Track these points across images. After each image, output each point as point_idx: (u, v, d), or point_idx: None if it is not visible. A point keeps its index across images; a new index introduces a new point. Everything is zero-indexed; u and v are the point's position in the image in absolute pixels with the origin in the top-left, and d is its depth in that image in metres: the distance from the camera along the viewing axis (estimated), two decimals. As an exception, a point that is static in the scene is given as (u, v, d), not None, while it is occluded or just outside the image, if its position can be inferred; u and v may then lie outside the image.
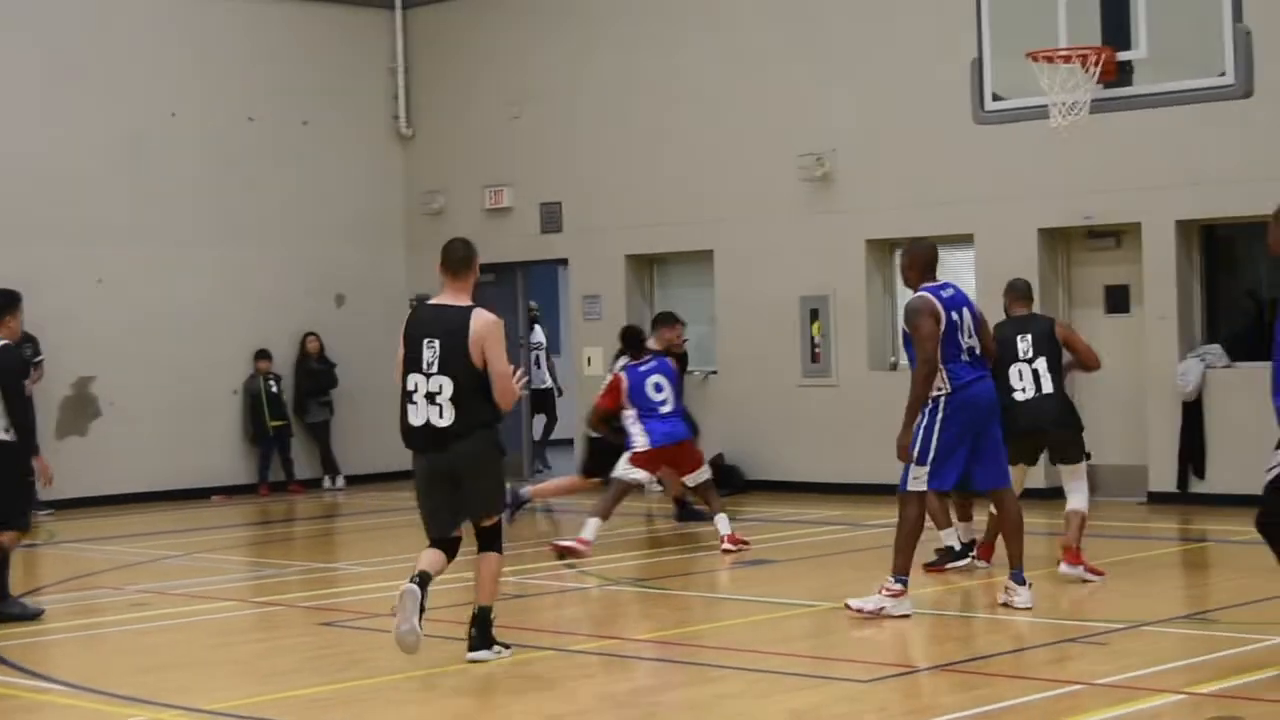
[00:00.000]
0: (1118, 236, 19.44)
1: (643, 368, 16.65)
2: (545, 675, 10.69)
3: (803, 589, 13.77)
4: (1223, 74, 18.22)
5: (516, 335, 24.49)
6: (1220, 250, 19.06)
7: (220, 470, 23.64)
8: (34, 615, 13.13)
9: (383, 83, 25.36)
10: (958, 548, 14.06)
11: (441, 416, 10.59)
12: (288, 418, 23.99)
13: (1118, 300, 19.46)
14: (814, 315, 20.88)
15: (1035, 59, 18.18)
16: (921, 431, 11.83)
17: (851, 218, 20.78)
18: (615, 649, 11.47)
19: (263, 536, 20.22)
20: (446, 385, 10.59)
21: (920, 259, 12.23)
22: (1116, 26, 18.66)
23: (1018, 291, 14.05)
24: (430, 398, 10.61)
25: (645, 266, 23.28)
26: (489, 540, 10.89)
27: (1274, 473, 9.68)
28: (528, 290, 24.85)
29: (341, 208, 24.81)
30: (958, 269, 20.48)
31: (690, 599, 13.65)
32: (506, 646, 10.90)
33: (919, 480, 11.90)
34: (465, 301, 10.88)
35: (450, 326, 10.72)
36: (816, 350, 20.98)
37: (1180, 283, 18.70)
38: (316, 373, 24.17)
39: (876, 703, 9.61)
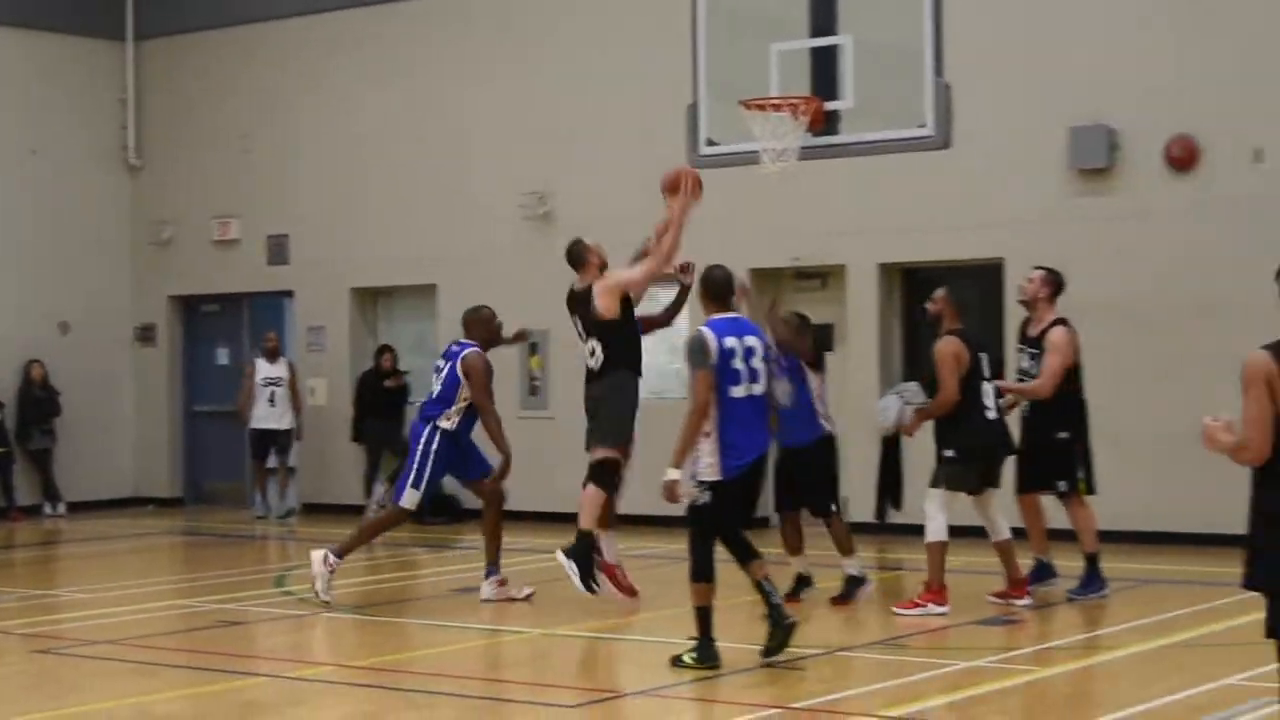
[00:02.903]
0: (824, 277, 19.80)
1: None
2: (260, 702, 10.57)
3: (515, 616, 13.81)
4: (923, 125, 18.76)
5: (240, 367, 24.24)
6: (920, 292, 19.47)
7: (-61, 496, 22.99)
8: None
9: (113, 113, 24.91)
10: (858, 574, 13.85)
11: None
12: (9, 444, 23.41)
13: (824, 339, 19.76)
14: (533, 349, 20.91)
15: (748, 107, 18.53)
16: None
17: (571, 255, 20.86)
18: (330, 675, 11.39)
19: (-19, 563, 19.69)
20: None
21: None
22: (825, 78, 19.10)
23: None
24: None
25: (370, 299, 23.17)
26: None
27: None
28: (253, 321, 24.55)
29: (69, 236, 24.29)
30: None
31: (407, 625, 13.58)
32: None
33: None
34: None
35: None
36: (535, 383, 21.06)
37: (882, 322, 19.12)
38: (39, 400, 23.62)
39: (582, 727, 9.69)
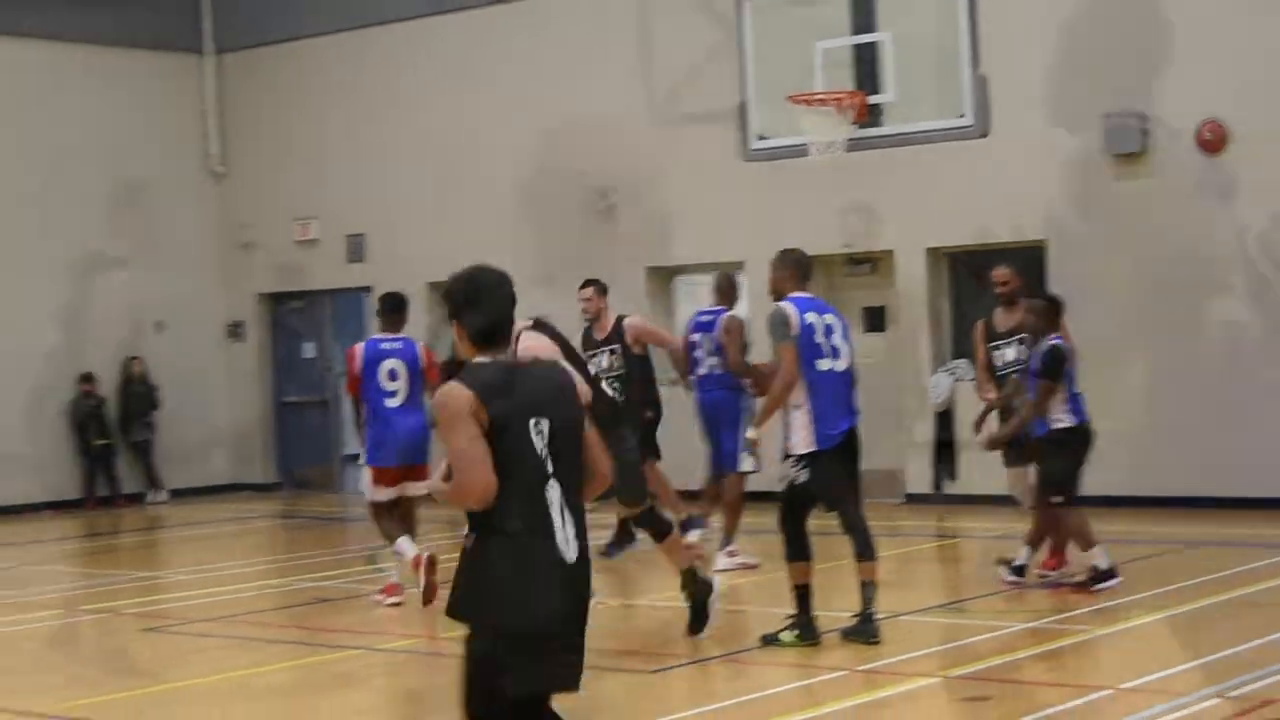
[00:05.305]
0: (873, 263, 19.70)
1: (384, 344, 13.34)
2: (355, 673, 10.61)
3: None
4: (962, 115, 18.63)
5: (325, 364, 24.30)
6: (965, 274, 19.35)
7: (50, 486, 23.05)
8: None
9: (197, 124, 24.97)
10: (1104, 567, 12.23)
11: None
12: (113, 436, 23.52)
13: (875, 320, 19.70)
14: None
15: (796, 102, 18.46)
16: None
17: (636, 248, 20.84)
18: (421, 648, 11.41)
19: (90, 548, 19.80)
20: None
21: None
22: (867, 74, 19.00)
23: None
24: None
25: (446, 293, 23.08)
26: None
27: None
28: (335, 316, 24.57)
29: (161, 241, 24.30)
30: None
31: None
32: None
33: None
34: None
35: None
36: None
37: (930, 304, 19.00)
38: (139, 394, 23.73)
39: (662, 692, 9.65)
